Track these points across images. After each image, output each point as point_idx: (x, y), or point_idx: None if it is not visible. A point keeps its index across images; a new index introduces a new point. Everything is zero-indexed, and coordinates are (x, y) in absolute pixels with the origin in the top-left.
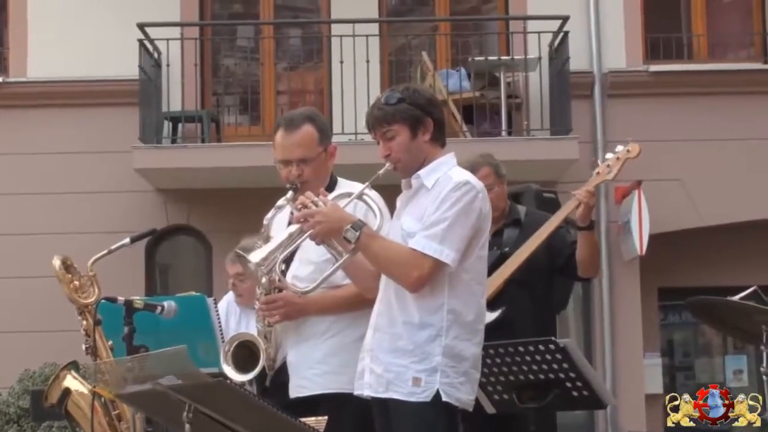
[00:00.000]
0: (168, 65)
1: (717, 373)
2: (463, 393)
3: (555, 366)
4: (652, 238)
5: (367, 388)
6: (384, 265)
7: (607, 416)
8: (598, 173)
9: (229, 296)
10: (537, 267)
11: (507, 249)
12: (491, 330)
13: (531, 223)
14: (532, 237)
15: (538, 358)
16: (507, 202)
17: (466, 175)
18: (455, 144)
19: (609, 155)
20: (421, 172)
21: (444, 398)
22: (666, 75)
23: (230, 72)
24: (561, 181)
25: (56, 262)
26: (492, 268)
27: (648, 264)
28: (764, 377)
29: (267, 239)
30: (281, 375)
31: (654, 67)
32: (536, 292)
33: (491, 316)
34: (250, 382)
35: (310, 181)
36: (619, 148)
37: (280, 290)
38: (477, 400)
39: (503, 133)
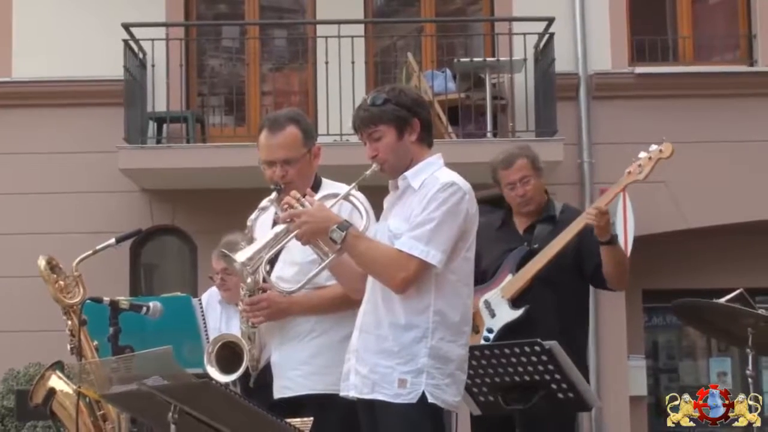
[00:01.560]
0: (153, 66)
1: (701, 376)
2: (449, 395)
3: (540, 368)
4: (637, 240)
5: (352, 389)
6: (370, 265)
7: (591, 418)
8: (629, 173)
9: (209, 293)
10: (565, 267)
11: (537, 245)
12: (513, 329)
13: (566, 220)
14: (558, 236)
15: (523, 359)
16: (544, 197)
17: (453, 176)
18: (440, 145)
19: (642, 154)
20: (407, 173)
21: (430, 400)
22: (651, 77)
23: (215, 72)
24: (546, 182)
25: (41, 262)
26: (520, 263)
27: (632, 266)
28: (749, 380)
29: (251, 241)
30: (265, 375)
31: (639, 69)
32: (563, 292)
33: (513, 315)
34: (234, 382)
35: (295, 182)
36: (653, 147)
37: (265, 291)
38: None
39: (488, 134)
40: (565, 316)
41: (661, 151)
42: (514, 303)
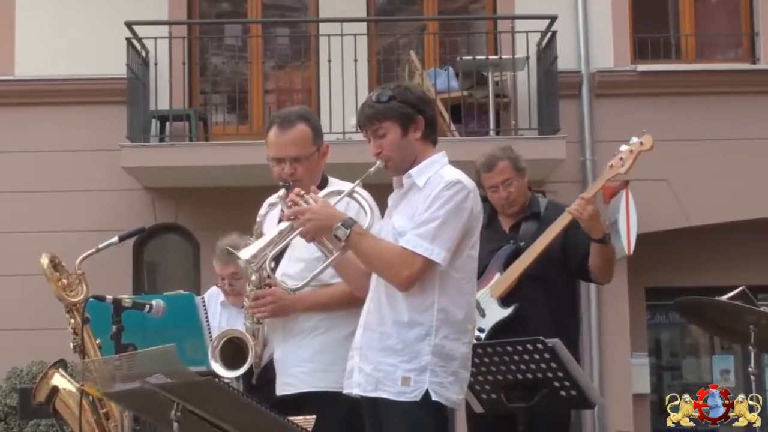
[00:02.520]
0: (156, 64)
1: (704, 373)
2: (452, 392)
3: (543, 365)
4: (640, 238)
5: (356, 387)
6: (374, 263)
7: (594, 416)
8: (611, 166)
9: (209, 293)
10: (553, 262)
11: (523, 243)
12: (504, 327)
13: (551, 217)
14: (544, 233)
15: (526, 357)
16: (528, 195)
17: (458, 174)
18: (443, 143)
19: (623, 147)
20: (412, 171)
21: (433, 398)
22: (654, 75)
23: (218, 71)
24: (549, 180)
25: (44, 261)
26: (507, 261)
27: (635, 264)
28: (752, 377)
29: (259, 237)
30: (267, 372)
31: (642, 67)
32: (553, 288)
33: (503, 313)
34: (237, 379)
35: (303, 180)
36: (634, 140)
37: (270, 287)
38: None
39: (491, 132)
40: (556, 311)
41: (642, 143)
42: (504, 301)
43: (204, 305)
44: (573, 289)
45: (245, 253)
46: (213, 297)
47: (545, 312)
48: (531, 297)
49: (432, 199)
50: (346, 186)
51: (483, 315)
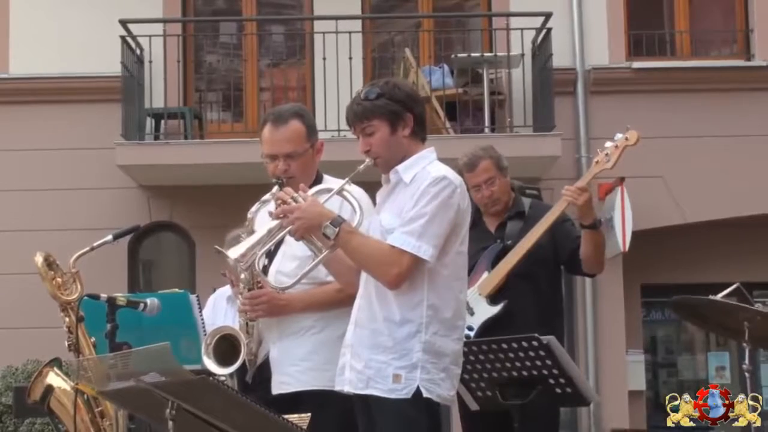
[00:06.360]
0: (150, 62)
1: (700, 370)
2: (443, 389)
3: (538, 363)
4: (635, 234)
5: (347, 384)
6: (363, 261)
7: (590, 413)
8: (596, 162)
9: (215, 296)
10: (541, 259)
11: (510, 241)
12: (493, 324)
13: (535, 215)
14: (532, 229)
15: (521, 354)
16: (511, 195)
17: (445, 170)
18: (438, 141)
19: (608, 144)
20: (399, 167)
21: (425, 394)
22: (649, 72)
23: (213, 68)
24: (544, 177)
25: (39, 259)
26: (495, 260)
27: (631, 261)
28: (746, 374)
29: (251, 233)
30: (264, 371)
31: (637, 64)
32: (540, 285)
33: (492, 310)
34: (231, 376)
35: (297, 177)
36: (618, 135)
37: (262, 286)
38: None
39: (486, 129)
40: (544, 307)
41: (627, 138)
42: (493, 299)
43: (199, 303)
44: (559, 286)
45: (234, 252)
46: (220, 297)
47: (533, 309)
48: (519, 294)
49: (418, 195)
50: (339, 183)
51: (472, 313)
